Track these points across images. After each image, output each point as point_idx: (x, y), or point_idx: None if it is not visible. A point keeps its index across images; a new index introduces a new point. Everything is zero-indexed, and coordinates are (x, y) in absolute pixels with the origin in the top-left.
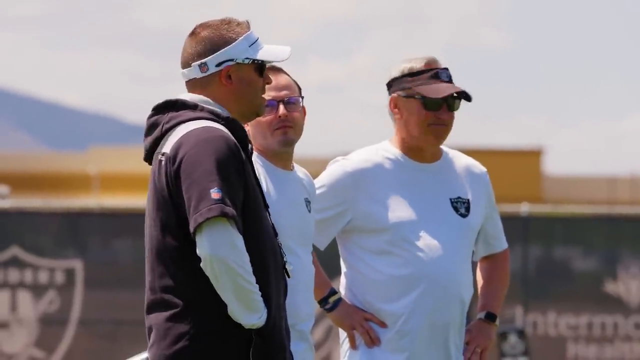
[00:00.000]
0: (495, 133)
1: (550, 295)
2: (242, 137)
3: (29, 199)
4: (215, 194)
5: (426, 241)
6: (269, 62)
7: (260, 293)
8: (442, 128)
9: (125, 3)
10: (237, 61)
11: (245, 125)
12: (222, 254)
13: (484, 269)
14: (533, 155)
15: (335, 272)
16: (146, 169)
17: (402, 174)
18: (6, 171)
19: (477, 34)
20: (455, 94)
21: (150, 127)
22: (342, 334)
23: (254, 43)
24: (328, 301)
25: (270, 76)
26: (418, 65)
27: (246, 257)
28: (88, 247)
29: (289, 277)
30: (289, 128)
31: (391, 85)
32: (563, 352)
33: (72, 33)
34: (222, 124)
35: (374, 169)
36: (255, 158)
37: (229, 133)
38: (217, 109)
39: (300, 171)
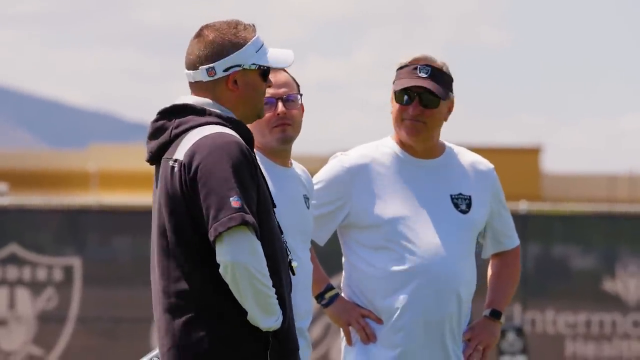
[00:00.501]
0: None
1: (548, 293)
2: (249, 139)
3: (28, 196)
4: (235, 202)
5: (423, 237)
6: (275, 67)
7: (276, 296)
8: (413, 123)
9: (126, 1)
10: (244, 67)
11: None
12: (243, 260)
13: (494, 266)
14: (532, 153)
15: (334, 270)
16: (146, 167)
17: (401, 170)
18: (5, 169)
19: (477, 33)
20: (427, 89)
21: (156, 131)
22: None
23: (260, 48)
24: (324, 297)
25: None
26: (406, 60)
27: (264, 262)
28: (87, 245)
29: (293, 274)
30: (287, 125)
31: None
32: (561, 350)
33: (73, 31)
34: (230, 127)
35: (371, 164)
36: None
37: (239, 137)
38: (223, 112)
39: (298, 168)
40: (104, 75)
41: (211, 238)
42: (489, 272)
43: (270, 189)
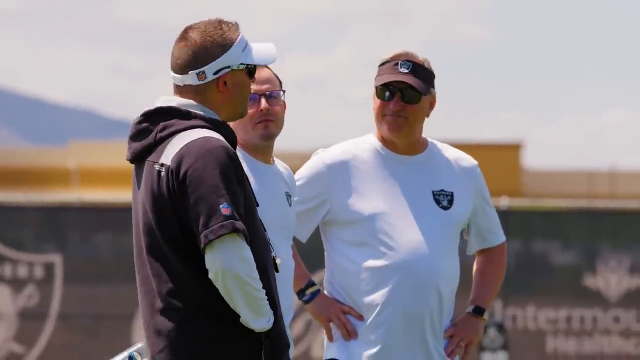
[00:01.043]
0: (475, 128)
1: (529, 289)
2: (233, 141)
3: (9, 193)
4: (225, 209)
5: (403, 233)
6: (261, 64)
7: (266, 297)
8: (394, 119)
9: None
10: (233, 67)
11: None
12: (234, 267)
13: (479, 262)
14: (513, 149)
15: (316, 266)
16: (126, 164)
17: (382, 166)
18: None
19: (458, 30)
20: (409, 84)
21: (140, 133)
22: None
23: (245, 47)
24: (305, 293)
25: None
26: (388, 56)
27: (254, 266)
28: (68, 242)
29: (277, 271)
30: (270, 122)
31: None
32: (542, 346)
33: (54, 28)
34: (214, 130)
35: (352, 161)
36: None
37: (225, 140)
38: (207, 114)
39: (280, 165)
40: (85, 72)
41: (201, 245)
42: (474, 268)
43: (252, 186)
